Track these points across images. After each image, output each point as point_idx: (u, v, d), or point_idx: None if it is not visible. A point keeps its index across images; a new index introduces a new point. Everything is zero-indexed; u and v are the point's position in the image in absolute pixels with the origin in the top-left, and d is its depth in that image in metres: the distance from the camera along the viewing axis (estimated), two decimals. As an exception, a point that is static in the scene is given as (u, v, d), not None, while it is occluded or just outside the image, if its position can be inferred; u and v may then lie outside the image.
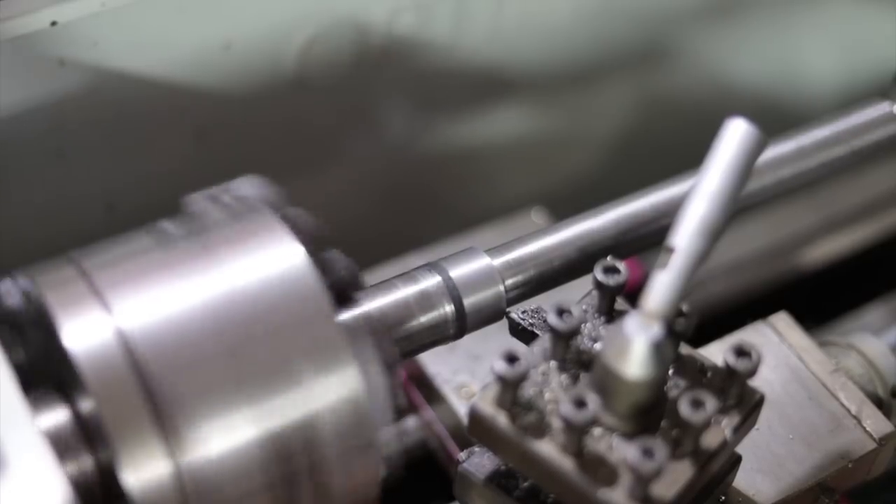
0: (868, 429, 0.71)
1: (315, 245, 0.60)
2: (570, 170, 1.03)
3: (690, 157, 0.66)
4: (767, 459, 0.69)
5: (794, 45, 1.06)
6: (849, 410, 0.71)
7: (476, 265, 0.66)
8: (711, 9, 0.99)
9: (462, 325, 0.66)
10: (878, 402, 0.73)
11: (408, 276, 0.66)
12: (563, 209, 0.76)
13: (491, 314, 0.66)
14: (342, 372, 0.58)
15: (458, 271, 0.66)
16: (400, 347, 0.64)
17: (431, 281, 0.65)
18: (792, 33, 1.05)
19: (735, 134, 0.60)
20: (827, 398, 0.72)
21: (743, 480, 0.67)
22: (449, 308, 0.65)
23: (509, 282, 0.67)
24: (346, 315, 0.62)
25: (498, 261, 0.67)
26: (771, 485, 0.69)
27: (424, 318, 0.65)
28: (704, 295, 0.97)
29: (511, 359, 0.58)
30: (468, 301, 0.65)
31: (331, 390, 0.58)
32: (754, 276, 1.01)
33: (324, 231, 0.61)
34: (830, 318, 0.97)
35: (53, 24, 0.74)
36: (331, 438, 0.58)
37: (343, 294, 0.61)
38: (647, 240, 0.70)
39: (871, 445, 0.71)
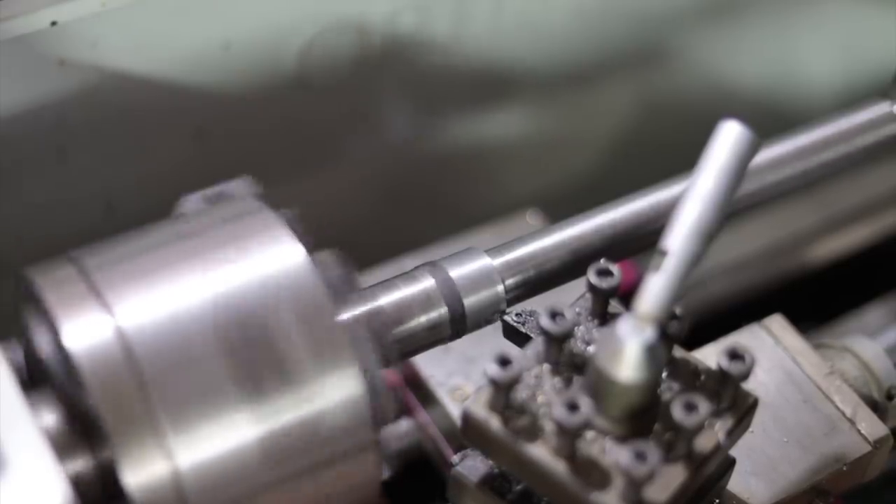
0: (863, 431, 0.71)
1: (308, 248, 0.60)
2: (569, 170, 1.03)
3: (689, 157, 0.66)
4: (762, 462, 0.69)
5: (794, 46, 1.05)
6: (843, 413, 0.71)
7: (476, 265, 0.66)
8: (711, 9, 0.98)
9: (461, 325, 0.66)
10: (873, 405, 0.73)
11: (408, 276, 0.66)
12: (563, 210, 0.76)
13: (490, 315, 0.66)
14: (342, 372, 0.58)
15: (458, 271, 0.66)
16: (400, 347, 0.64)
17: (431, 281, 0.65)
18: (791, 33, 1.04)
19: (728, 136, 0.60)
20: (822, 401, 0.72)
21: (737, 483, 0.67)
22: (449, 308, 0.65)
23: (509, 282, 0.67)
24: (347, 315, 0.62)
25: (497, 261, 0.67)
26: (765, 488, 0.69)
27: (424, 318, 0.65)
28: (704, 295, 0.97)
29: (504, 362, 0.58)
30: (468, 301, 0.65)
31: (331, 390, 0.58)
32: (754, 276, 1.01)
33: (311, 236, 0.61)
34: (830, 318, 0.97)
35: (53, 24, 0.74)
36: (330, 438, 0.58)
37: (337, 296, 0.61)
38: (654, 239, 0.70)
39: (866, 448, 0.70)
